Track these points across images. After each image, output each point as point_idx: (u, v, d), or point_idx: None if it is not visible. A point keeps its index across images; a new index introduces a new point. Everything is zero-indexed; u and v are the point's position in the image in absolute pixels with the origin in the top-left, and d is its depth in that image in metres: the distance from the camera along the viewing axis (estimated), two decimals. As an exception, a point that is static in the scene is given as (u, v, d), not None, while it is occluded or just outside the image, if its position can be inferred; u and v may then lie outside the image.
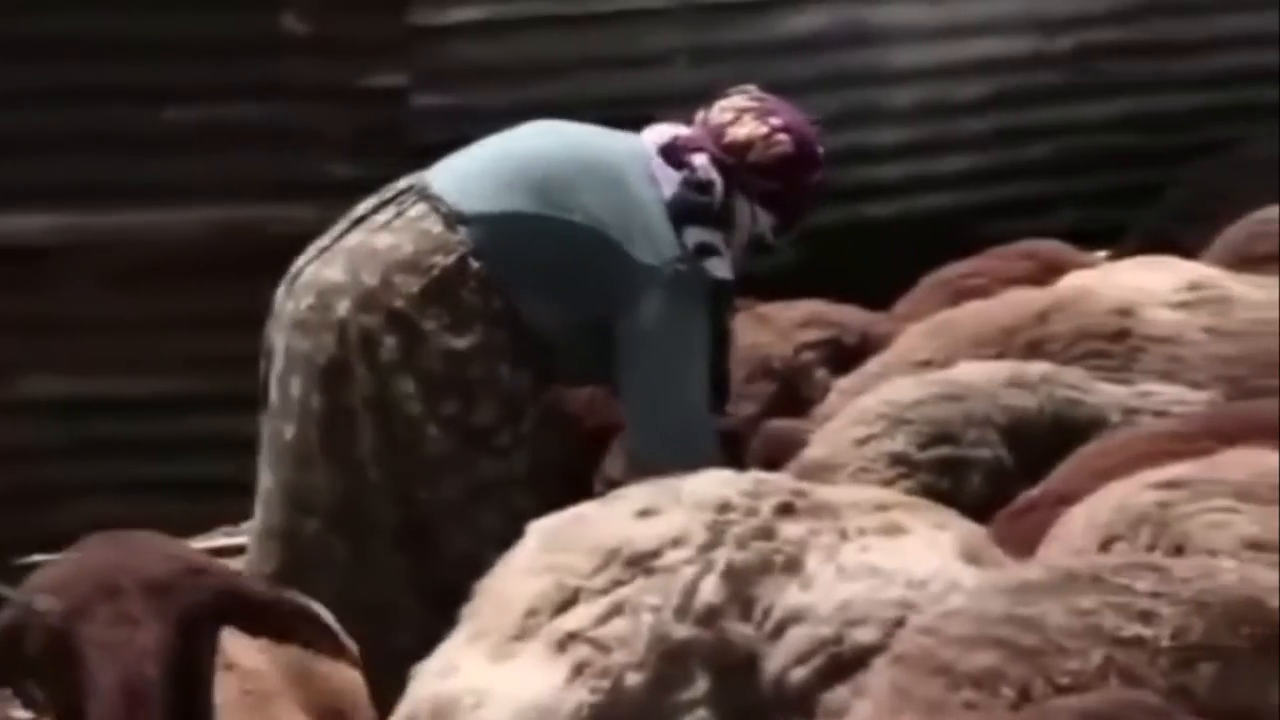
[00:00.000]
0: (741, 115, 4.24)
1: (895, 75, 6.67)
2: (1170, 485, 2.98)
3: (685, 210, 4.13)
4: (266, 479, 4.26)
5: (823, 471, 3.48)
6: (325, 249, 4.26)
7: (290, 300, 4.24)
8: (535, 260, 4.15)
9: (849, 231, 6.55)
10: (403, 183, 4.31)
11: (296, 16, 5.96)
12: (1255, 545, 2.83)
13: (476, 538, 4.06)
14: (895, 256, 5.34)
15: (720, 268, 4.14)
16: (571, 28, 6.24)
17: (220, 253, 5.95)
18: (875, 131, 6.66)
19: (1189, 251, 4.86)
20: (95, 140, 5.95)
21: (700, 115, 4.28)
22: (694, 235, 4.13)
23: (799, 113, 4.32)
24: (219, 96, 5.95)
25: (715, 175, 4.16)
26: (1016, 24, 6.82)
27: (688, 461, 3.59)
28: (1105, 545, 2.93)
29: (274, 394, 4.24)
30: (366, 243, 4.21)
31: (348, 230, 4.27)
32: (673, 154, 4.20)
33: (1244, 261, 4.67)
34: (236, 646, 3.09)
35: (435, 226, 4.18)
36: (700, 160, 4.17)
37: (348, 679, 3.47)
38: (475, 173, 4.25)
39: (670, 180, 4.16)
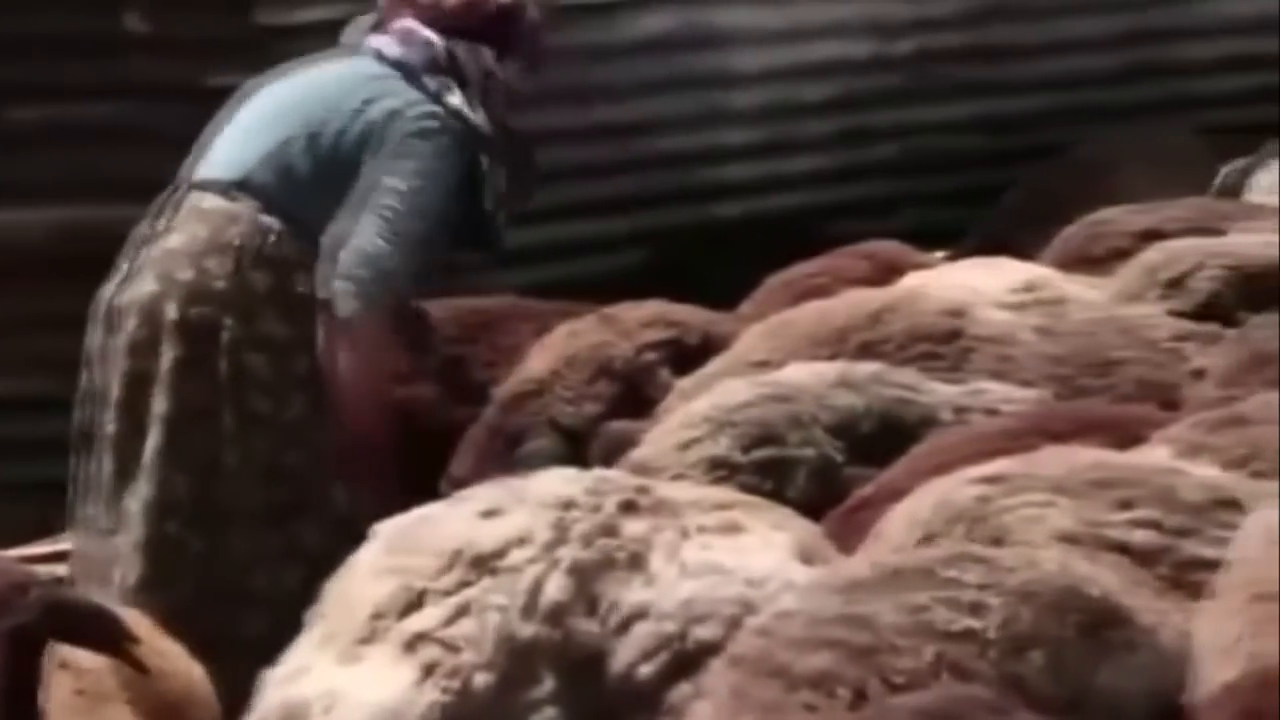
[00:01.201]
0: None
1: (740, 77, 6.72)
2: (988, 481, 3.00)
3: (415, 65, 4.36)
4: (130, 504, 4.24)
5: (646, 474, 3.49)
6: (124, 277, 4.30)
7: (111, 335, 4.28)
8: (312, 181, 4.27)
9: (697, 232, 6.60)
10: (163, 193, 4.38)
11: (139, 16, 5.92)
12: (1068, 538, 2.88)
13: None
14: (743, 256, 5.37)
15: (463, 106, 4.34)
16: (420, 28, 6.23)
17: (66, 253, 5.88)
18: (722, 132, 6.71)
19: (1026, 252, 4.92)
20: (-64, 140, 5.89)
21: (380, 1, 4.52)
22: (431, 83, 4.34)
23: None
24: (62, 96, 5.90)
25: (427, 31, 4.39)
26: (858, 28, 6.89)
27: (383, 264, 4.06)
28: (925, 541, 2.95)
29: (118, 424, 4.24)
30: (162, 248, 4.28)
31: (136, 253, 4.31)
32: (384, 30, 4.43)
33: (1080, 262, 4.73)
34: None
35: (216, 204, 4.27)
36: (408, 23, 4.41)
37: (192, 678, 3.45)
38: (222, 142, 4.37)
39: (392, 47, 4.39)
